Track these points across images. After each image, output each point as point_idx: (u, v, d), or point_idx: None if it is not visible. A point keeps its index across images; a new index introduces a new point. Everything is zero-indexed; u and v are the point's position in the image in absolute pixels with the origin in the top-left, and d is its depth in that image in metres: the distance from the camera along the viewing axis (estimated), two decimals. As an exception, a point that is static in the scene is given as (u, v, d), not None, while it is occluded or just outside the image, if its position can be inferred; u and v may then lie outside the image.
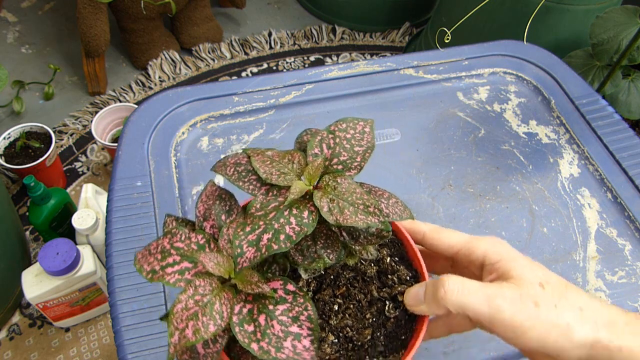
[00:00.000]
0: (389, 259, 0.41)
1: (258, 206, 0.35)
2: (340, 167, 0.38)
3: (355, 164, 0.38)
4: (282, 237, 0.33)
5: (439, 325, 0.40)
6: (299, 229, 0.34)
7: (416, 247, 0.41)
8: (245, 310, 0.33)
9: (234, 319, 0.32)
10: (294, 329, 0.33)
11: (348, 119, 0.40)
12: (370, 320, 0.38)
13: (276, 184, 0.36)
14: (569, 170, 0.67)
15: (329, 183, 0.36)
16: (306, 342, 0.32)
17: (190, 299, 0.31)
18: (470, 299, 0.34)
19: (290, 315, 0.33)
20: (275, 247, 0.33)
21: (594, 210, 0.63)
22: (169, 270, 0.33)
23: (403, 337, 0.38)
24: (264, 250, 0.33)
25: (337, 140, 0.39)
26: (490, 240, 0.38)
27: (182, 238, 0.34)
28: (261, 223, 0.34)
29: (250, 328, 0.32)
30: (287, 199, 0.34)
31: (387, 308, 0.39)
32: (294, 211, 0.34)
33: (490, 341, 0.52)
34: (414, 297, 0.37)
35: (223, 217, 0.37)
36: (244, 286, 0.33)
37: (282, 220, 0.34)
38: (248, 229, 0.34)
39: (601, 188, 0.65)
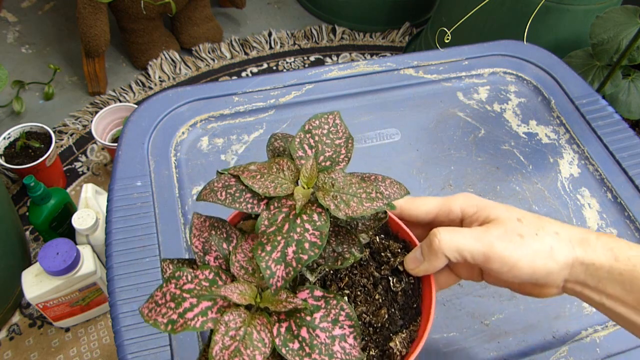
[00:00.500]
0: (377, 238, 0.43)
1: (267, 222, 0.34)
2: (328, 163, 0.38)
3: (342, 156, 0.39)
4: (306, 245, 0.33)
5: None
6: (319, 232, 0.33)
7: (398, 219, 0.42)
8: (283, 330, 0.32)
9: (277, 341, 0.32)
10: (337, 331, 0.33)
11: (318, 115, 0.40)
12: (381, 299, 0.40)
13: (275, 196, 0.35)
14: (569, 170, 0.67)
15: (326, 181, 0.36)
16: (351, 340, 0.33)
17: (225, 336, 0.30)
18: (463, 241, 0.37)
19: (329, 319, 0.33)
20: (305, 257, 0.32)
21: (594, 210, 0.63)
22: (190, 315, 0.31)
23: (415, 305, 0.40)
24: (294, 263, 0.32)
25: (316, 138, 0.39)
26: (461, 196, 0.41)
27: (189, 279, 0.33)
28: (279, 238, 0.33)
29: (296, 345, 0.32)
30: (296, 207, 0.34)
31: (392, 284, 0.41)
32: (304, 217, 0.34)
33: (491, 341, 0.52)
34: (413, 260, 0.39)
35: (225, 246, 0.36)
36: (276, 306, 0.32)
37: (298, 229, 0.33)
38: (268, 248, 0.33)
39: (601, 188, 0.65)
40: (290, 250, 0.33)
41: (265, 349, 0.31)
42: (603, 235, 0.38)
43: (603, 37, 1.03)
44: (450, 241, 0.37)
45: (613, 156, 0.67)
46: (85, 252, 0.95)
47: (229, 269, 0.35)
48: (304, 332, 0.32)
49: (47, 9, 1.73)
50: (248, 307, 0.33)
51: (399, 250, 0.42)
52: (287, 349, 0.32)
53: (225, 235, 0.37)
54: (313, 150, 0.39)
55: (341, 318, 0.33)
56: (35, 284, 0.91)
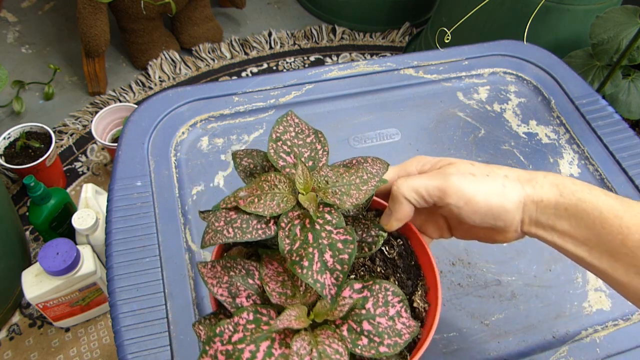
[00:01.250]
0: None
1: (288, 240, 0.33)
2: (310, 163, 0.38)
3: (320, 152, 0.39)
4: (339, 245, 0.33)
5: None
6: (342, 229, 0.34)
7: None
8: (345, 333, 0.33)
9: (347, 345, 0.32)
10: (392, 311, 0.34)
11: (278, 121, 0.40)
12: (383, 270, 0.41)
13: (282, 212, 0.35)
14: (569, 170, 0.67)
15: (320, 180, 0.36)
16: (404, 314, 0.34)
17: None
18: (419, 182, 0.39)
19: (381, 304, 0.34)
20: (346, 256, 0.33)
21: (594, 210, 0.63)
22: None
23: (413, 263, 0.42)
24: (339, 267, 0.32)
25: (289, 143, 0.39)
26: (414, 159, 0.43)
27: (233, 329, 0.31)
28: (310, 249, 0.33)
29: (365, 340, 0.32)
30: (311, 214, 0.34)
31: (386, 252, 0.42)
32: (320, 221, 0.34)
33: (491, 341, 0.52)
34: (385, 216, 0.41)
35: (251, 282, 0.35)
36: (333, 314, 0.32)
37: (323, 234, 0.33)
38: (305, 263, 0.32)
39: (601, 188, 0.65)
40: (327, 256, 0.32)
41: (344, 358, 0.31)
42: (550, 174, 0.39)
43: (603, 37, 1.03)
44: (406, 184, 0.39)
45: (613, 156, 0.67)
46: (85, 252, 0.95)
47: (263, 301, 0.34)
48: (366, 326, 0.33)
49: (47, 9, 1.73)
50: (304, 328, 0.32)
51: (374, 217, 0.44)
52: (359, 347, 0.32)
53: (244, 271, 0.35)
54: (292, 156, 0.38)
55: (389, 298, 0.34)
56: (35, 284, 0.91)
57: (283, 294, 0.34)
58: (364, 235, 0.38)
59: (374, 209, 0.45)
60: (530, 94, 0.75)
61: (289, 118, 0.41)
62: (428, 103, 0.72)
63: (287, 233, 0.34)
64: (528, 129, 0.71)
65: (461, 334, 0.52)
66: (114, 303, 0.51)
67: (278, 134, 0.39)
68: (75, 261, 0.90)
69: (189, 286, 0.53)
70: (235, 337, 0.31)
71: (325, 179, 0.36)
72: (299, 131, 0.40)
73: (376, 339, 0.32)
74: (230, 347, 0.30)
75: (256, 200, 0.35)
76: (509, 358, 0.51)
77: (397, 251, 0.42)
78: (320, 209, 0.35)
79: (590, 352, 0.52)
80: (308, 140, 0.40)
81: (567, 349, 0.52)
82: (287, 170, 0.37)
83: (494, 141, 0.69)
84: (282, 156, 0.38)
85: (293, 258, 0.33)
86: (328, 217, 0.34)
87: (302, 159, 0.38)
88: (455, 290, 0.55)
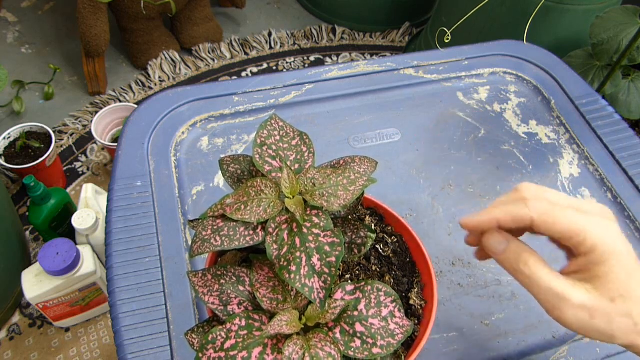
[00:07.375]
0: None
1: (276, 246, 0.33)
2: (297, 166, 0.38)
3: (306, 154, 0.39)
4: (327, 248, 0.32)
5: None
6: (329, 231, 0.33)
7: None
8: (338, 336, 0.33)
9: (340, 348, 0.32)
10: (385, 312, 0.34)
11: (262, 125, 0.40)
12: (379, 268, 0.41)
13: (269, 217, 0.34)
14: (569, 170, 0.67)
15: (306, 183, 0.36)
16: (397, 313, 0.34)
17: None
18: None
19: (373, 305, 0.34)
20: (333, 259, 0.32)
21: (594, 210, 0.63)
22: None
23: (408, 260, 0.42)
24: (326, 270, 0.32)
25: (274, 147, 0.39)
26: (602, 230, 0.34)
27: (225, 336, 0.31)
28: (298, 254, 0.32)
29: (358, 343, 0.32)
30: (298, 218, 0.34)
31: (380, 250, 0.42)
32: (307, 224, 0.34)
33: (490, 341, 0.52)
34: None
35: (241, 288, 0.35)
36: (325, 318, 0.32)
37: (310, 237, 0.33)
38: (293, 267, 0.32)
39: (601, 188, 0.65)
40: (315, 259, 0.32)
41: None
42: None
43: (603, 37, 1.03)
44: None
45: (613, 156, 0.67)
46: (85, 252, 0.95)
47: (255, 307, 0.34)
48: (359, 327, 0.33)
49: (47, 9, 1.73)
50: (297, 333, 0.32)
51: (369, 215, 0.44)
52: (352, 349, 0.32)
53: (234, 278, 0.35)
54: (278, 160, 0.38)
55: (382, 298, 0.34)
56: (35, 284, 0.91)
57: (274, 299, 0.34)
58: (354, 236, 0.37)
59: (367, 207, 0.45)
60: (530, 94, 0.75)
61: (273, 122, 0.40)
62: (428, 103, 0.72)
63: (274, 238, 0.33)
64: (528, 129, 0.71)
65: (461, 334, 0.52)
66: (114, 303, 0.51)
67: (263, 139, 0.39)
68: (75, 261, 0.90)
69: (189, 286, 0.53)
70: (227, 344, 0.31)
71: (312, 181, 0.36)
72: (284, 134, 0.39)
73: (369, 340, 0.32)
74: (222, 354, 0.30)
75: (243, 207, 0.35)
76: (509, 358, 0.51)
77: (391, 249, 0.42)
78: (308, 212, 0.34)
79: (590, 352, 0.52)
80: (293, 143, 0.39)
81: (567, 349, 0.52)
82: (274, 174, 0.37)
83: (494, 141, 0.69)
84: (268, 161, 0.38)
85: (281, 263, 0.32)
86: (315, 220, 0.34)
87: (288, 163, 0.38)
88: (455, 290, 0.55)
